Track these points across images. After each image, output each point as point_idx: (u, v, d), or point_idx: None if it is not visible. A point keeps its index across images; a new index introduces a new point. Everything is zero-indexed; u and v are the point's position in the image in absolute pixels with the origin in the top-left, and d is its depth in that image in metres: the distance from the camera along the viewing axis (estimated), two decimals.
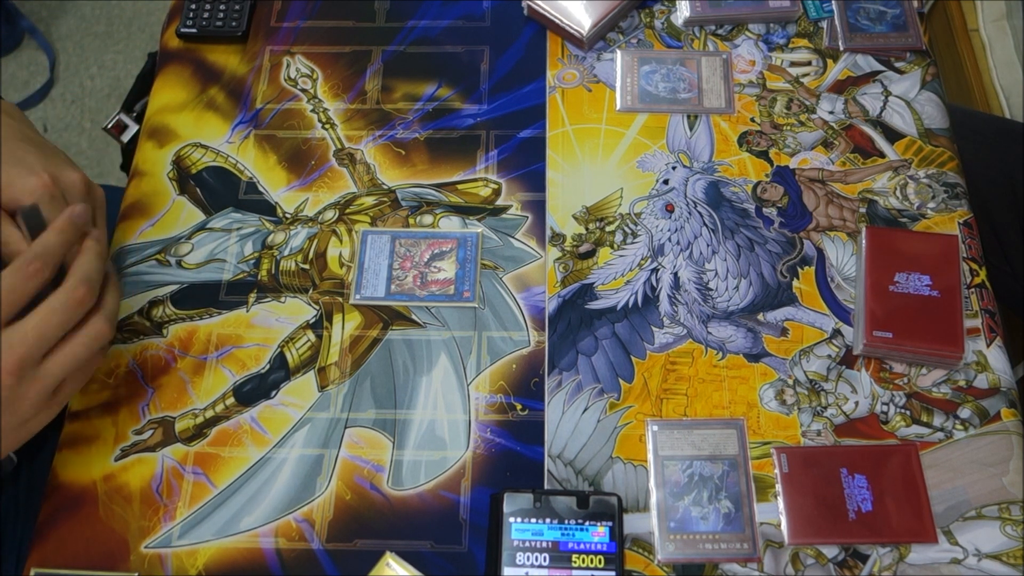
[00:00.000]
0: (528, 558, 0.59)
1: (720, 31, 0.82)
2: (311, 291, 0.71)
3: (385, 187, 0.76)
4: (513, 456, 0.64)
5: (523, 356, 0.68)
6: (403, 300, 0.70)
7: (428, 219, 0.74)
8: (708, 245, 0.72)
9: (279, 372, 0.68)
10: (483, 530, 0.62)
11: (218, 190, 0.76)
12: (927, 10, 1.06)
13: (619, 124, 0.78)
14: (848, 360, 0.67)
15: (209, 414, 0.66)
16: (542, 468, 0.64)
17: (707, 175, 0.75)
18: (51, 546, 0.62)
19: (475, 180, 0.76)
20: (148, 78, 0.84)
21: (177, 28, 0.84)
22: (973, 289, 0.69)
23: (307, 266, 0.73)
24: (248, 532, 0.62)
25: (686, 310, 0.69)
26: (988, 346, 0.67)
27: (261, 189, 0.76)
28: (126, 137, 0.83)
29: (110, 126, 0.83)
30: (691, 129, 0.77)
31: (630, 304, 0.70)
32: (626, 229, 0.73)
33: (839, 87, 0.79)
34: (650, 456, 0.63)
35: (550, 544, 0.59)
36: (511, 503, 0.60)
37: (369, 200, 0.75)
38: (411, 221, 0.74)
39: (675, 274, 0.71)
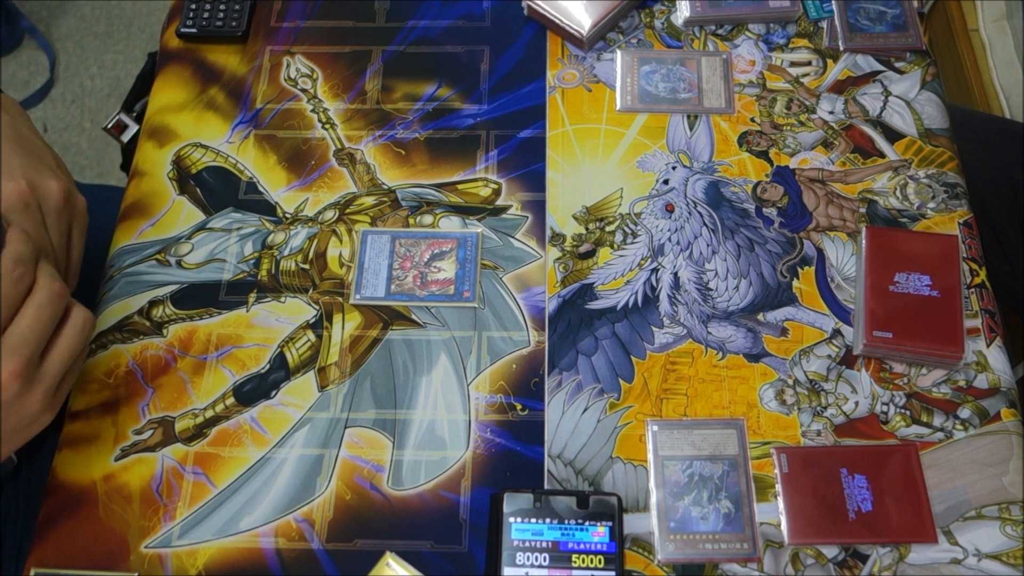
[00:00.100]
0: (528, 558, 0.59)
1: (720, 31, 0.82)
2: (311, 291, 0.71)
3: (385, 187, 0.76)
4: (513, 456, 0.64)
5: (523, 356, 0.68)
6: (403, 300, 0.70)
7: (428, 219, 0.74)
8: (708, 245, 0.72)
9: (279, 372, 0.68)
10: (483, 530, 0.62)
11: (218, 190, 0.76)
12: (927, 10, 1.06)
13: (619, 124, 0.78)
14: (848, 360, 0.67)
15: (209, 414, 0.66)
16: (542, 468, 0.64)
17: (707, 175, 0.75)
18: (51, 546, 0.62)
19: (475, 180, 0.76)
20: (148, 78, 0.84)
21: (177, 28, 0.84)
22: (973, 289, 0.69)
23: (307, 266, 0.73)
24: (248, 532, 0.62)
25: (686, 310, 0.69)
26: (988, 346, 0.67)
27: (261, 189, 0.76)
28: (126, 137, 0.83)
29: (110, 126, 0.83)
30: (691, 129, 0.77)
31: (630, 304, 0.70)
32: (626, 229, 0.73)
33: (839, 87, 0.79)
34: (650, 456, 0.63)
35: (550, 544, 0.59)
36: (511, 503, 0.60)
37: (369, 200, 0.75)
38: (411, 221, 0.74)
39: (675, 274, 0.71)
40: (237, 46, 0.84)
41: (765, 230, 0.72)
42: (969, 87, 1.39)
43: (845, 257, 0.71)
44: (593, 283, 0.71)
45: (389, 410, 0.66)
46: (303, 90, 0.81)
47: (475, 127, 0.79)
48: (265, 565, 0.61)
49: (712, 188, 0.74)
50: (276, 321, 0.70)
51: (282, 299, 0.71)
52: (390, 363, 0.68)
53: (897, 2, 0.82)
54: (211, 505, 0.63)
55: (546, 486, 0.63)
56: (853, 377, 0.66)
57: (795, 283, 0.70)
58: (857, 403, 0.65)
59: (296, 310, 0.70)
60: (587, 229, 0.73)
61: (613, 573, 0.58)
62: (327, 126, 0.79)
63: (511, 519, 0.60)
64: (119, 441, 0.65)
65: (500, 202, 0.75)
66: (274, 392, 0.67)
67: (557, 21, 0.81)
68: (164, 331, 0.70)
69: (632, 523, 0.61)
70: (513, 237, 0.73)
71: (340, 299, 0.71)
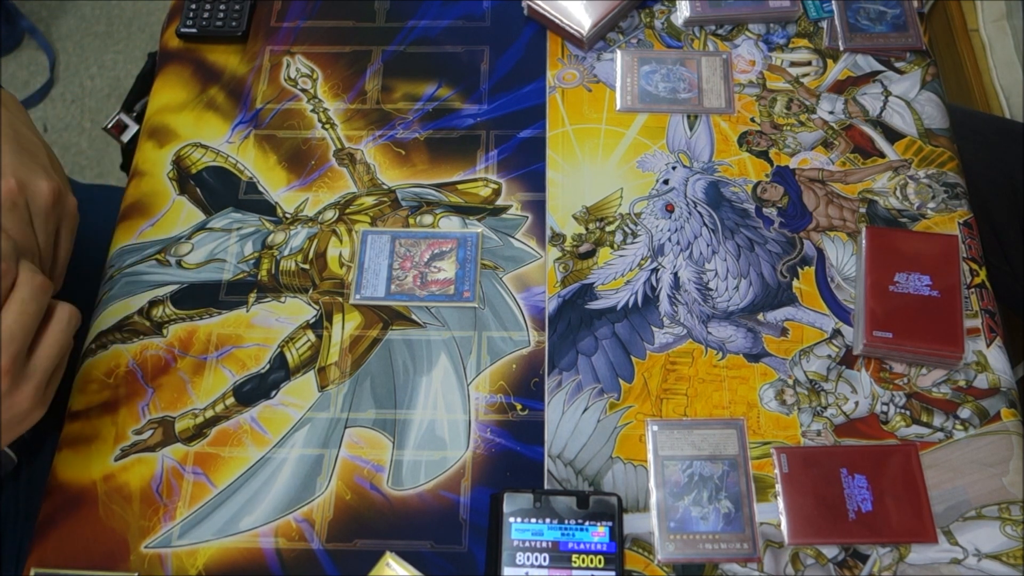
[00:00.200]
0: (528, 558, 0.59)
1: (720, 31, 0.82)
2: (311, 291, 0.71)
3: (385, 187, 0.76)
4: (513, 456, 0.64)
5: (523, 356, 0.68)
6: (403, 300, 0.70)
7: (428, 219, 0.74)
8: (708, 245, 0.72)
9: (279, 372, 0.68)
10: (483, 530, 0.62)
11: (218, 190, 0.76)
12: (927, 10, 1.06)
13: (619, 124, 0.78)
14: (848, 360, 0.67)
15: (209, 414, 0.66)
16: (542, 468, 0.64)
17: (707, 175, 0.75)
18: (51, 546, 0.62)
19: (475, 180, 0.76)
20: (148, 78, 0.84)
21: (177, 28, 0.84)
22: (973, 289, 0.69)
23: (307, 266, 0.73)
24: (248, 532, 0.62)
25: (686, 310, 0.69)
26: (988, 346, 0.67)
27: (261, 189, 0.76)
28: (126, 137, 0.83)
29: (110, 126, 0.83)
30: (691, 129, 0.77)
31: (630, 304, 0.70)
32: (626, 229, 0.73)
33: (839, 87, 0.79)
34: (650, 456, 0.63)
35: (550, 544, 0.59)
36: (511, 503, 0.60)
37: (369, 200, 0.75)
38: (411, 221, 0.74)
39: (675, 274, 0.71)
40: (237, 46, 0.84)
41: (765, 230, 0.72)
42: (969, 87, 1.39)
43: (845, 257, 0.71)
44: (593, 283, 0.71)
45: (389, 410, 0.66)
46: (303, 90, 0.81)
47: (475, 127, 0.79)
48: (265, 565, 0.61)
49: (712, 188, 0.74)
50: (276, 321, 0.70)
51: (282, 299, 0.71)
52: (390, 363, 0.68)
53: (897, 2, 0.82)
54: (211, 505, 0.63)
55: (546, 486, 0.63)
56: (853, 377, 0.66)
57: (795, 283, 0.70)
58: (857, 403, 0.65)
59: (296, 310, 0.70)
60: (587, 229, 0.73)
61: (613, 573, 0.58)
62: (327, 126, 0.79)
63: (511, 519, 0.60)
64: (119, 441, 0.65)
65: (500, 202, 0.75)
66: (274, 392, 0.67)
67: (557, 21, 0.81)
68: (164, 331, 0.70)
69: (632, 523, 0.61)
70: (513, 237, 0.73)
71: (340, 299, 0.71)
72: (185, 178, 0.77)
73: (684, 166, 0.76)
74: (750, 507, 0.62)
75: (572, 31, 0.80)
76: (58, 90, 1.82)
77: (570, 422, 0.65)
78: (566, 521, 0.60)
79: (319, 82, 0.82)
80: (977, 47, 1.40)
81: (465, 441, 0.65)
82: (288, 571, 0.61)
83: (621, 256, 0.72)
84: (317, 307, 0.71)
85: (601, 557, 0.59)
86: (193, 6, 0.85)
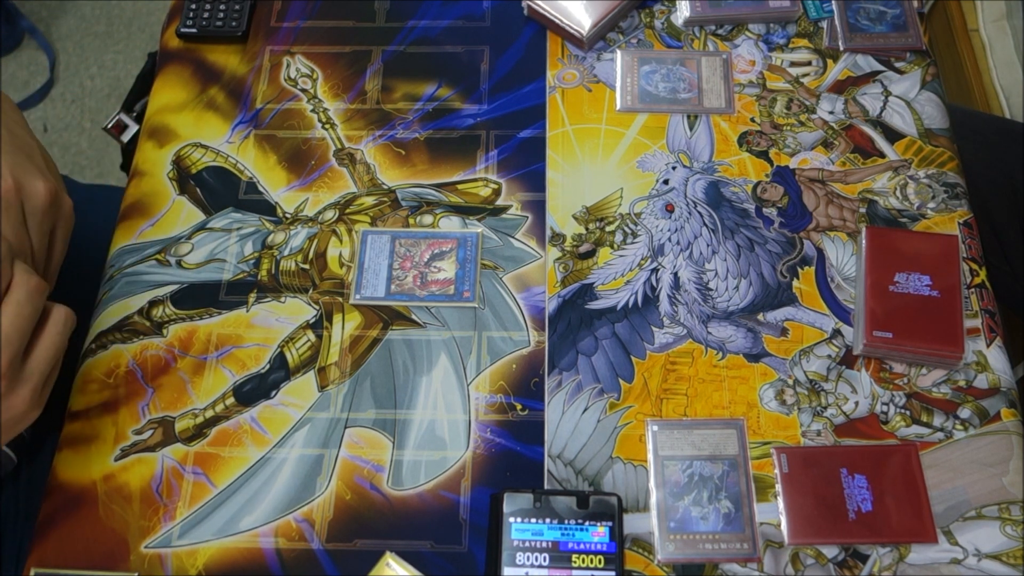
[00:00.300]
0: (528, 558, 0.59)
1: (720, 31, 0.82)
2: (311, 291, 0.71)
3: (385, 187, 0.76)
4: (513, 456, 0.64)
5: (523, 356, 0.68)
6: (403, 300, 0.70)
7: (428, 219, 0.74)
8: (708, 245, 0.72)
9: (279, 372, 0.68)
10: (483, 530, 0.62)
11: (218, 190, 0.76)
12: (927, 10, 1.06)
13: (619, 124, 0.78)
14: (848, 360, 0.67)
15: (209, 414, 0.66)
16: (542, 468, 0.64)
17: (707, 175, 0.75)
18: (51, 546, 0.62)
19: (475, 180, 0.76)
20: (148, 78, 0.84)
21: (177, 28, 0.84)
22: (973, 289, 0.69)
23: (307, 266, 0.73)
24: (248, 532, 0.62)
25: (686, 310, 0.69)
26: (988, 346, 0.67)
27: (261, 189, 0.76)
28: (126, 137, 0.83)
29: (110, 126, 0.83)
30: (691, 129, 0.77)
31: (630, 304, 0.70)
32: (626, 229, 0.73)
33: (839, 87, 0.79)
34: (650, 456, 0.63)
35: (550, 544, 0.59)
36: (511, 503, 0.60)
37: (369, 200, 0.75)
38: (411, 221, 0.74)
39: (675, 274, 0.71)
40: (237, 46, 0.84)
41: (765, 230, 0.72)
42: (969, 87, 1.39)
43: (845, 257, 0.71)
44: (593, 283, 0.71)
45: (389, 410, 0.66)
46: (303, 90, 0.81)
47: (475, 127, 0.79)
48: (265, 565, 0.61)
49: (712, 188, 0.74)
50: (276, 321, 0.70)
51: (282, 299, 0.71)
52: (390, 363, 0.68)
53: (897, 2, 0.82)
54: (211, 505, 0.63)
55: (546, 486, 0.63)
56: (853, 377, 0.66)
57: (795, 283, 0.70)
58: (857, 403, 0.65)
59: (296, 310, 0.70)
60: (587, 229, 0.73)
61: (613, 573, 0.58)
62: (327, 126, 0.79)
63: (511, 519, 0.60)
64: (119, 441, 0.65)
65: (500, 202, 0.75)
66: (274, 392, 0.67)
67: (557, 21, 0.81)
68: (164, 331, 0.70)
69: (632, 523, 0.61)
70: (513, 237, 0.73)
71: (340, 299, 0.71)
72: (185, 178, 0.77)
73: (684, 166, 0.76)
74: (750, 507, 0.62)
75: (572, 31, 0.80)
76: (58, 90, 1.82)
77: (570, 422, 0.65)
78: (566, 521, 0.60)
79: (319, 82, 0.82)
80: (977, 47, 1.40)
81: (465, 441, 0.65)
82: (288, 571, 0.61)
83: (621, 256, 0.72)
84: (317, 307, 0.71)
85: (601, 557, 0.59)
86: (193, 6, 0.85)
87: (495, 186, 0.76)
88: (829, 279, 0.70)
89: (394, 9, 0.86)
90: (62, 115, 1.78)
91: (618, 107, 0.78)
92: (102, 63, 1.85)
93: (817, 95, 0.78)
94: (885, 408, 0.65)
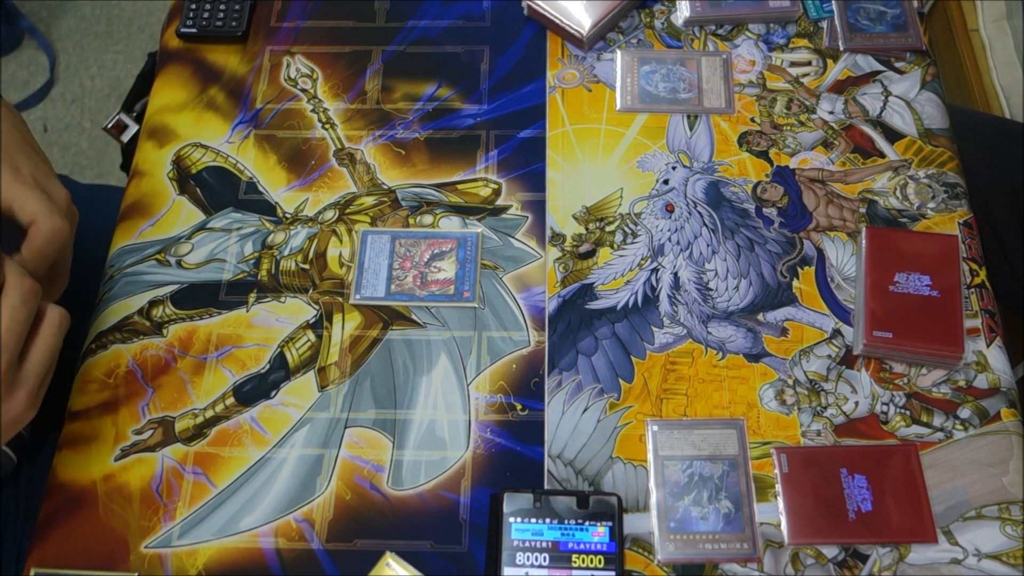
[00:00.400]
0: (528, 558, 0.59)
1: (720, 31, 0.82)
2: (311, 291, 0.71)
3: (385, 187, 0.76)
4: (513, 456, 0.64)
5: (523, 356, 0.68)
6: (403, 300, 0.70)
7: (428, 219, 0.74)
8: (708, 245, 0.72)
9: (279, 372, 0.68)
10: (483, 530, 0.62)
11: (218, 190, 0.76)
12: (927, 10, 1.06)
13: (619, 124, 0.78)
14: (848, 360, 0.67)
15: (209, 414, 0.66)
16: (542, 468, 0.64)
17: (707, 175, 0.75)
18: (51, 546, 0.62)
19: (475, 180, 0.76)
20: (148, 78, 0.84)
21: (177, 28, 0.84)
22: (973, 289, 0.69)
23: (307, 266, 0.73)
24: (248, 532, 0.62)
25: (686, 310, 0.69)
26: (988, 346, 0.67)
27: (261, 189, 0.76)
28: (126, 137, 0.83)
29: (110, 126, 0.83)
30: (691, 129, 0.77)
31: (630, 304, 0.70)
32: (626, 229, 0.73)
33: (839, 87, 0.79)
34: (650, 456, 0.63)
35: (550, 544, 0.59)
36: (511, 503, 0.60)
37: (369, 200, 0.75)
38: (411, 221, 0.74)
39: (675, 274, 0.71)
40: (237, 46, 0.84)
41: (765, 230, 0.72)
42: (969, 87, 1.39)
43: (845, 257, 0.71)
44: (593, 283, 0.71)
45: (389, 410, 0.66)
46: (303, 90, 0.81)
47: (475, 127, 0.79)
48: (265, 565, 0.61)
49: (712, 188, 0.74)
50: (276, 321, 0.70)
51: (282, 299, 0.71)
52: (390, 363, 0.68)
53: (897, 2, 0.82)
54: (211, 505, 0.63)
55: (546, 486, 0.63)
56: (853, 377, 0.66)
57: (795, 283, 0.70)
58: (857, 403, 0.65)
59: (296, 310, 0.70)
60: (587, 229, 0.73)
61: (613, 573, 0.58)
62: (327, 126, 0.79)
63: (511, 519, 0.60)
64: (119, 441, 0.65)
65: (500, 202, 0.75)
66: (274, 392, 0.67)
67: (557, 21, 0.81)
68: (164, 331, 0.70)
69: (632, 523, 0.61)
70: (513, 237, 0.73)
71: (340, 299, 0.71)
72: (185, 178, 0.77)
73: (684, 166, 0.76)
74: (750, 507, 0.62)
75: (572, 31, 0.80)
76: (58, 90, 1.82)
77: (570, 422, 0.65)
78: (566, 521, 0.60)
79: (319, 82, 0.82)
80: (977, 47, 1.40)
81: (465, 441, 0.65)
82: (288, 571, 0.61)
83: (621, 256, 0.72)
84: (317, 307, 0.71)
85: (601, 557, 0.59)
86: (193, 6, 0.85)
87: (495, 186, 0.76)
88: (829, 279, 0.70)
89: (394, 9, 0.86)
90: (62, 115, 1.78)
91: (618, 107, 0.78)
92: (102, 63, 1.85)
93: (817, 95, 0.78)
94: (885, 408, 0.65)
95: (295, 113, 0.80)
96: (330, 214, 0.75)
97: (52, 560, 0.61)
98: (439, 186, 0.76)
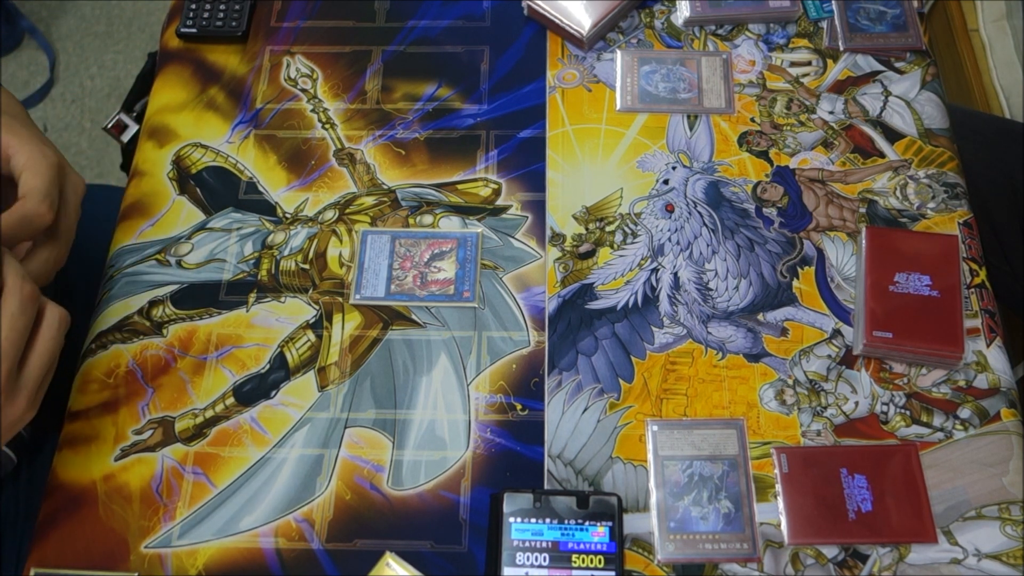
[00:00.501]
0: (528, 558, 0.59)
1: (720, 31, 0.82)
2: (311, 291, 0.71)
3: (385, 187, 0.76)
4: (513, 456, 0.64)
5: (523, 356, 0.68)
6: (403, 300, 0.70)
7: (428, 219, 0.74)
8: (708, 245, 0.72)
9: (279, 372, 0.68)
10: (483, 530, 0.62)
11: (218, 190, 0.76)
12: (927, 10, 1.06)
13: (619, 124, 0.78)
14: (848, 360, 0.67)
15: (209, 414, 0.66)
16: (542, 468, 0.64)
17: (707, 175, 0.75)
18: (51, 546, 0.62)
19: (475, 180, 0.76)
20: (148, 78, 0.84)
21: (177, 28, 0.84)
22: (973, 289, 0.69)
23: (307, 266, 0.73)
24: (248, 532, 0.62)
25: (686, 310, 0.69)
26: (988, 346, 0.67)
27: (261, 189, 0.76)
28: (126, 137, 0.83)
29: (110, 126, 0.83)
30: (691, 129, 0.77)
31: (630, 304, 0.70)
32: (626, 229, 0.73)
33: (839, 87, 0.79)
34: (650, 456, 0.63)
35: (550, 544, 0.59)
36: (511, 503, 0.60)
37: (369, 200, 0.75)
38: (411, 221, 0.74)
39: (675, 274, 0.71)
40: (237, 46, 0.84)
41: (765, 230, 0.72)
42: (969, 87, 1.39)
43: (845, 257, 0.71)
44: (593, 283, 0.71)
45: (389, 410, 0.66)
46: (303, 90, 0.81)
47: (475, 127, 0.79)
48: (265, 565, 0.61)
49: (712, 188, 0.74)
50: (276, 321, 0.70)
51: (282, 299, 0.71)
52: (390, 363, 0.68)
53: (897, 2, 0.82)
54: (211, 505, 0.63)
55: (546, 486, 0.63)
56: (853, 377, 0.66)
57: (795, 283, 0.70)
58: (857, 403, 0.65)
59: (296, 310, 0.70)
60: (587, 229, 0.73)
61: (613, 573, 0.58)
62: (327, 126, 0.79)
63: (511, 519, 0.60)
64: (119, 441, 0.65)
65: (500, 202, 0.75)
66: (274, 392, 0.67)
67: (557, 21, 0.81)
68: (164, 331, 0.70)
69: (632, 523, 0.61)
70: (513, 237, 0.73)
71: (340, 299, 0.71)
72: (185, 178, 0.77)
73: (684, 166, 0.76)
74: (750, 507, 0.62)
75: (572, 31, 0.80)
76: (58, 90, 1.82)
77: (570, 422, 0.65)
78: (566, 521, 0.60)
79: (319, 82, 0.82)
80: (977, 47, 1.40)
81: (465, 441, 0.65)
82: (288, 571, 0.61)
83: (621, 256, 0.72)
84: (317, 307, 0.71)
85: (601, 557, 0.59)
86: (193, 6, 0.85)
87: (495, 186, 0.76)
88: (829, 279, 0.70)
89: (394, 9, 0.86)
90: (62, 115, 1.78)
91: (618, 107, 0.78)
92: (102, 63, 1.85)
93: (817, 95, 0.78)
94: (885, 408, 0.65)
95: (295, 113, 0.80)
96: (330, 214, 0.75)
97: (52, 560, 0.61)
98: (439, 186, 0.76)
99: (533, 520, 0.60)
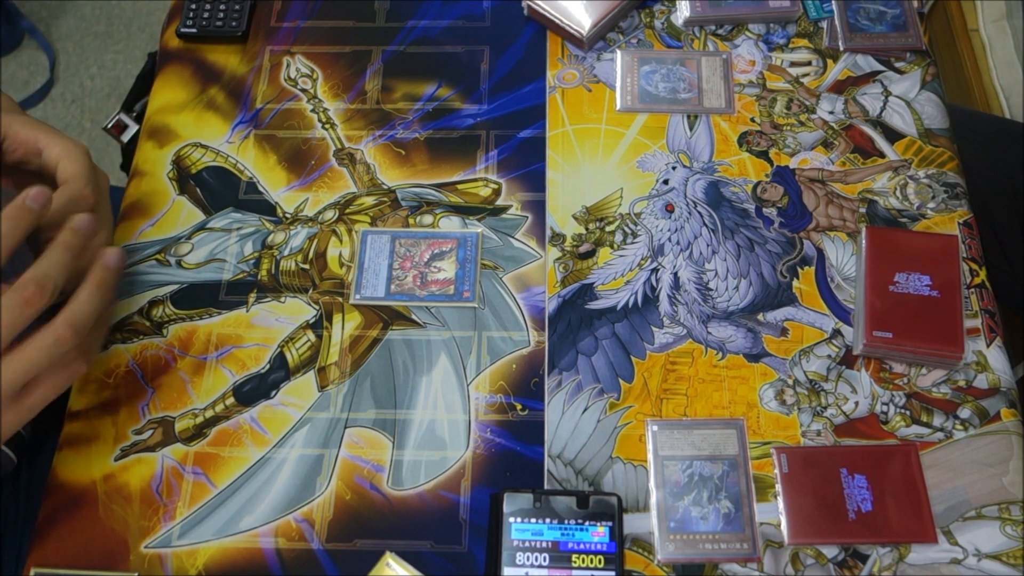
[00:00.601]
0: (528, 558, 0.59)
1: (720, 31, 0.82)
2: (311, 291, 0.71)
3: (385, 187, 0.76)
4: (513, 456, 0.64)
5: (523, 356, 0.68)
6: (403, 300, 0.70)
7: (428, 219, 0.74)
8: (708, 245, 0.72)
9: (279, 372, 0.68)
10: (483, 530, 0.62)
11: (218, 190, 0.76)
12: (927, 10, 1.06)
13: (619, 124, 0.78)
14: (848, 360, 0.67)
15: (209, 414, 0.66)
16: (542, 468, 0.64)
17: (707, 175, 0.75)
18: (51, 546, 0.62)
19: (475, 180, 0.76)
20: (148, 78, 0.84)
21: (177, 28, 0.84)
22: (973, 289, 0.69)
23: (307, 266, 0.73)
24: (248, 532, 0.62)
25: (686, 310, 0.69)
26: (988, 346, 0.67)
27: (261, 189, 0.76)
28: (126, 137, 0.83)
29: (110, 126, 0.83)
30: (691, 129, 0.77)
31: (630, 304, 0.70)
32: (626, 229, 0.73)
33: (839, 87, 0.79)
34: (650, 456, 0.63)
35: (550, 544, 0.59)
36: (511, 503, 0.60)
37: (369, 200, 0.75)
38: (411, 221, 0.74)
39: (675, 274, 0.71)
40: (237, 46, 0.84)
41: (765, 230, 0.72)
42: (969, 87, 1.39)
43: (845, 257, 0.71)
44: (593, 283, 0.71)
45: (389, 410, 0.66)
46: (303, 90, 0.81)
47: (475, 127, 0.79)
48: (265, 565, 0.61)
49: (712, 188, 0.74)
50: (276, 321, 0.70)
51: (282, 299, 0.71)
52: (390, 363, 0.68)
53: (897, 2, 0.82)
54: (211, 505, 0.63)
55: (546, 486, 0.63)
56: (853, 377, 0.66)
57: (795, 283, 0.70)
58: (857, 403, 0.65)
59: (296, 310, 0.70)
60: (587, 229, 0.73)
61: (613, 573, 0.58)
62: (327, 126, 0.79)
63: (511, 519, 0.60)
64: (119, 441, 0.65)
65: (500, 202, 0.75)
66: (274, 392, 0.67)
67: (557, 21, 0.81)
68: (164, 331, 0.70)
69: (632, 523, 0.61)
70: (513, 237, 0.73)
71: (340, 299, 0.71)
72: (185, 178, 0.77)
73: (684, 166, 0.76)
74: (750, 507, 0.62)
75: (572, 31, 0.80)
76: (58, 90, 1.82)
77: (570, 422, 0.65)
78: (566, 521, 0.60)
79: (319, 82, 0.82)
80: (977, 47, 1.40)
81: (465, 441, 0.65)
82: (288, 571, 0.61)
83: (621, 256, 0.72)
84: (317, 307, 0.71)
85: (601, 557, 0.59)
86: (193, 6, 0.85)
87: (495, 186, 0.76)
88: (829, 279, 0.70)
89: (394, 9, 0.86)
90: (62, 115, 1.79)
91: (618, 107, 0.78)
92: (102, 63, 1.85)
93: (817, 95, 0.78)
94: (885, 408, 0.65)
95: (295, 113, 0.80)
96: (330, 214, 0.75)
97: (52, 560, 0.61)
98: (439, 186, 0.76)
99: (533, 520, 0.60)
